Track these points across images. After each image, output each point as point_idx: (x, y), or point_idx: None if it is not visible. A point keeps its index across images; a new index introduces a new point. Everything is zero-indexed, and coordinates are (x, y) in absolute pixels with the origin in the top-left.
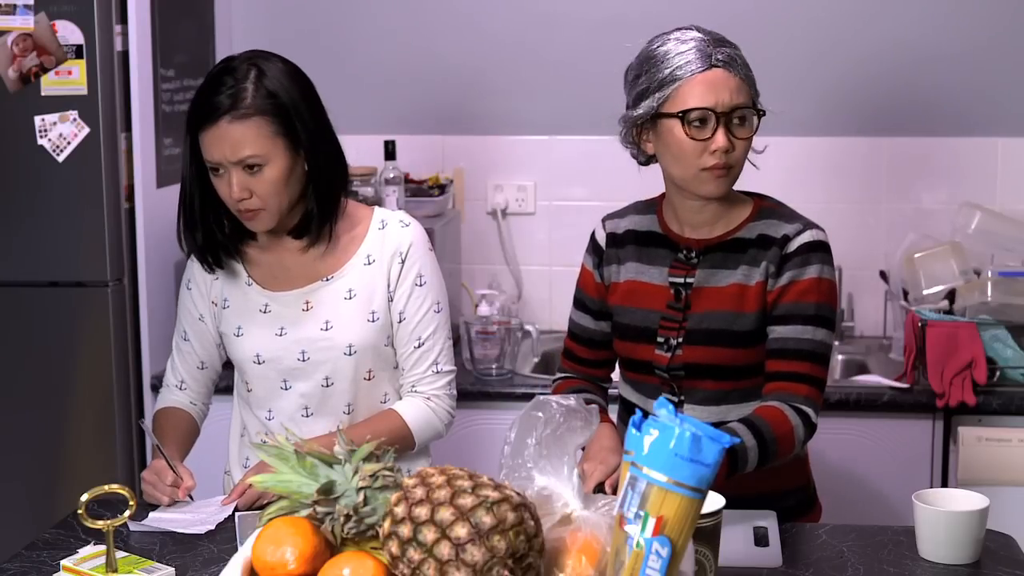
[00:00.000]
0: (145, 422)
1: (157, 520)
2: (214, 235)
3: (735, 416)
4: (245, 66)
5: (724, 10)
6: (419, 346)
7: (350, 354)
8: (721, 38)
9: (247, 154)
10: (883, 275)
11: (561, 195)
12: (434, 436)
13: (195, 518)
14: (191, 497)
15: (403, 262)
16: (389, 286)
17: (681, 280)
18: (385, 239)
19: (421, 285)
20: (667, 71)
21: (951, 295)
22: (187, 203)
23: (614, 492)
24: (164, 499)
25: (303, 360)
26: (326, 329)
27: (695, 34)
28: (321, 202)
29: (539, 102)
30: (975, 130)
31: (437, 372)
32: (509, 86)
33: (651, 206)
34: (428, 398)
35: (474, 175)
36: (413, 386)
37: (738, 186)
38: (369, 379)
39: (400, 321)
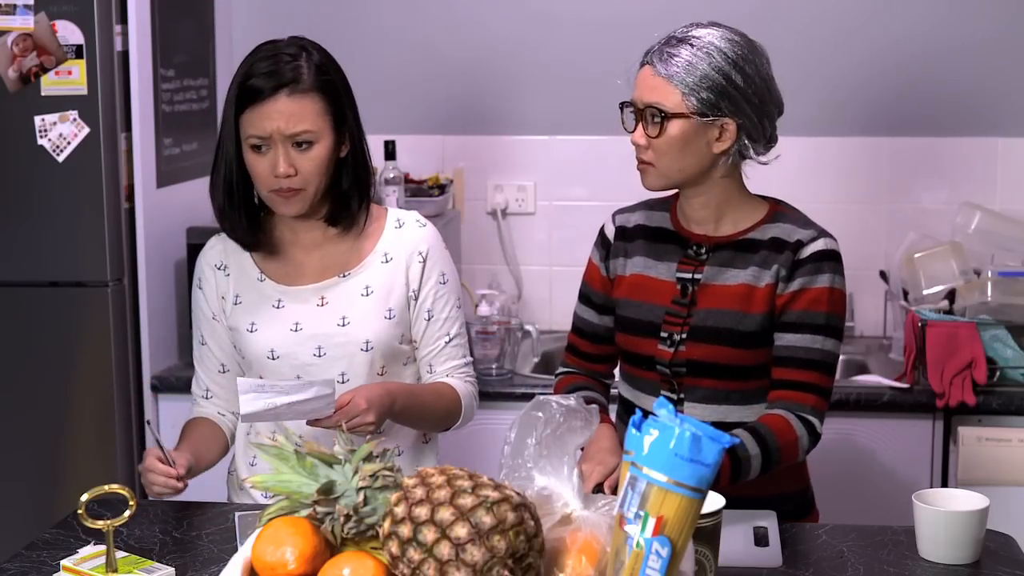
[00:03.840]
0: (150, 422)
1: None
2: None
3: (736, 417)
4: (295, 48)
5: (724, 10)
6: (449, 341)
7: (367, 350)
8: (685, 37)
9: (302, 128)
10: (883, 275)
11: (561, 195)
12: (469, 415)
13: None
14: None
15: (424, 262)
16: (409, 285)
17: (689, 276)
18: (402, 238)
19: (445, 283)
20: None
21: (951, 295)
22: (228, 184)
23: (613, 493)
24: (160, 479)
25: (319, 356)
26: (343, 325)
27: (679, 30)
28: (359, 186)
29: (539, 102)
30: (975, 130)
31: (467, 363)
32: (509, 86)
33: (664, 203)
34: (466, 381)
35: (474, 175)
36: (448, 375)
37: (751, 188)
38: (382, 375)
39: (428, 319)
